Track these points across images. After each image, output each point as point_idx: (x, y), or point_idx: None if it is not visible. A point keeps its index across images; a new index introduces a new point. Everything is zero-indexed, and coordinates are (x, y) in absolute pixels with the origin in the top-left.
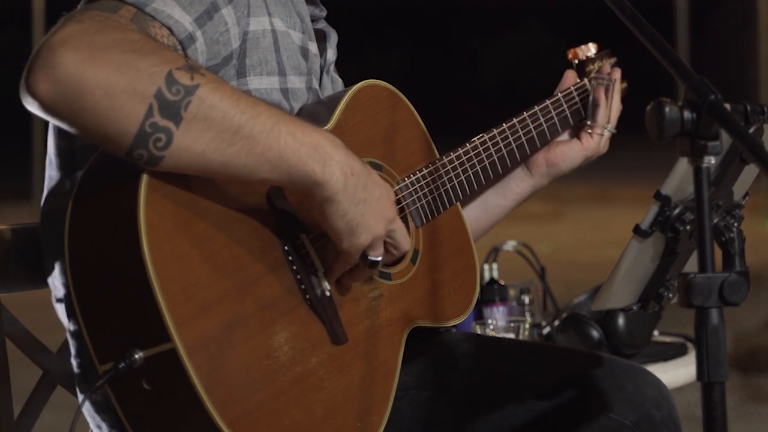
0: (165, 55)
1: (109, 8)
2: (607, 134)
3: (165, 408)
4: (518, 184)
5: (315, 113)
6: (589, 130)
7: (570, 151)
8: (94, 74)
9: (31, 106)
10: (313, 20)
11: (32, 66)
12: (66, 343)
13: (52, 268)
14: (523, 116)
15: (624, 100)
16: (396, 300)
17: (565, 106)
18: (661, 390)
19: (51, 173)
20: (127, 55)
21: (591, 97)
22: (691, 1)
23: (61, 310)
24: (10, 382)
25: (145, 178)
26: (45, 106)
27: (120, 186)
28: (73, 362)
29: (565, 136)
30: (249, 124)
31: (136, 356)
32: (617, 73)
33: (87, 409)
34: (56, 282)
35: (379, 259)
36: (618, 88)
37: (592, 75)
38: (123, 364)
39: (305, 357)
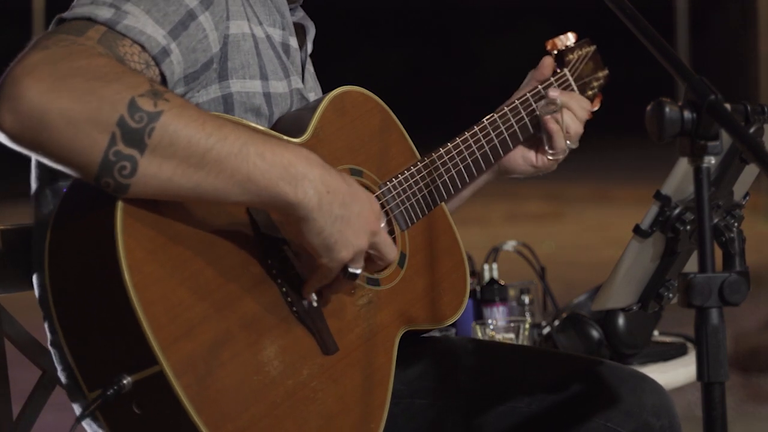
0: (129, 81)
1: (76, 30)
2: (567, 151)
3: (157, 431)
4: None
5: (292, 124)
6: (550, 157)
7: (524, 162)
8: (57, 105)
9: None
10: (291, 8)
11: None
12: None
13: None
14: (503, 111)
15: (622, 99)
16: (386, 305)
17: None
18: (661, 398)
19: (33, 183)
20: (90, 83)
21: (544, 128)
22: (691, 1)
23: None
24: (10, 382)
25: (120, 204)
26: (11, 138)
27: (96, 213)
28: (61, 376)
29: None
30: (216, 148)
31: (125, 381)
32: (558, 96)
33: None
34: (36, 288)
35: (358, 271)
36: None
37: (539, 106)
38: (111, 391)
39: (296, 369)
